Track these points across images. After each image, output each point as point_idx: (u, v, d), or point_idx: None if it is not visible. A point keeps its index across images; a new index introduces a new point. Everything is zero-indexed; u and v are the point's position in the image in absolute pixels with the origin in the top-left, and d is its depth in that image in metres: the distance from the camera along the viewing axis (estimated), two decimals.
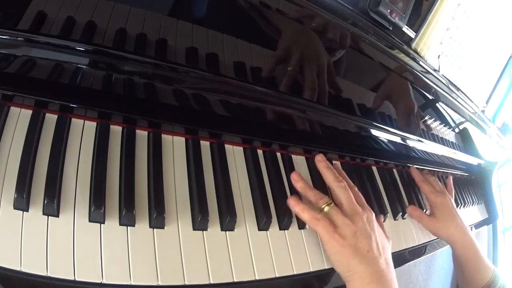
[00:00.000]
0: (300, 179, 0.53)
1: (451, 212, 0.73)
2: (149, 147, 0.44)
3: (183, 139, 0.48)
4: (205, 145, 0.49)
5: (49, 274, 0.32)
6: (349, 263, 0.48)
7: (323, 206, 0.51)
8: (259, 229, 0.47)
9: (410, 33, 0.57)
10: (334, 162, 0.64)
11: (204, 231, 0.42)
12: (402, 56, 0.57)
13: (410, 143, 0.75)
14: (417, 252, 0.71)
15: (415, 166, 0.85)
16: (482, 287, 0.70)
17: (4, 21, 0.34)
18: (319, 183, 0.58)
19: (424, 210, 0.76)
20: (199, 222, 0.41)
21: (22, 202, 0.33)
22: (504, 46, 0.85)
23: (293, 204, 0.50)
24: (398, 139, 0.72)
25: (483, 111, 0.88)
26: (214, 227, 0.44)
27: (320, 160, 0.57)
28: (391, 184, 0.73)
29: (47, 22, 0.35)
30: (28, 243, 0.32)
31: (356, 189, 0.57)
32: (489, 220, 1.22)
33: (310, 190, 0.53)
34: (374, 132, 0.66)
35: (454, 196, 0.84)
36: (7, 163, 0.35)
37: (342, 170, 0.61)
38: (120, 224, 0.38)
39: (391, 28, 0.52)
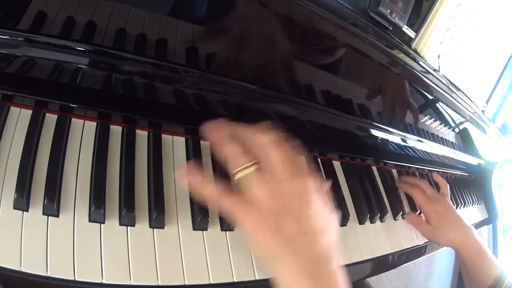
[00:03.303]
0: (223, 127, 0.38)
1: (448, 217, 0.69)
2: (149, 147, 0.44)
3: (183, 139, 0.48)
4: (205, 145, 0.49)
5: (49, 274, 0.32)
6: (271, 250, 0.35)
7: (239, 169, 0.35)
8: None
9: (410, 33, 0.57)
10: (334, 162, 0.64)
11: (204, 231, 0.42)
12: (402, 56, 0.57)
13: (410, 143, 0.75)
14: (417, 252, 0.71)
15: (414, 166, 0.85)
16: (488, 286, 0.68)
17: (4, 21, 0.34)
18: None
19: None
20: (199, 222, 0.41)
21: (22, 202, 0.33)
22: (504, 46, 0.85)
23: (182, 176, 0.36)
24: (398, 139, 0.72)
25: (483, 111, 0.88)
26: (214, 227, 0.43)
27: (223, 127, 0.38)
28: (391, 184, 0.74)
29: (47, 22, 0.35)
30: (28, 243, 0.32)
31: (291, 146, 0.38)
32: (489, 220, 1.22)
33: (228, 143, 0.36)
34: (374, 132, 0.66)
35: (451, 192, 0.80)
36: (7, 163, 0.35)
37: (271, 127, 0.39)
38: (120, 224, 0.38)
39: (391, 28, 0.52)
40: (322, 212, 0.38)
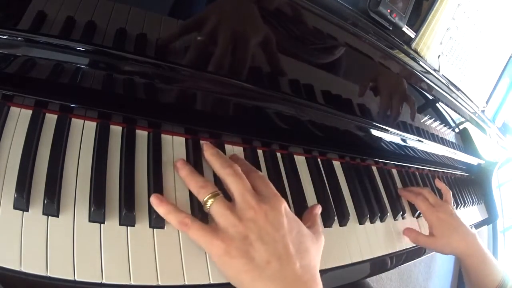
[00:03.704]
0: (184, 166, 0.41)
1: (450, 225, 0.67)
2: (149, 147, 0.44)
3: (183, 139, 0.48)
4: None
5: (49, 274, 0.32)
6: (242, 279, 0.36)
7: (205, 199, 0.38)
8: None
9: (410, 33, 0.57)
10: (334, 162, 0.64)
11: None
12: (402, 56, 0.57)
13: (410, 143, 0.75)
14: (417, 252, 0.71)
15: (414, 166, 0.85)
16: None
17: (4, 21, 0.34)
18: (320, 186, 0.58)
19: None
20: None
21: (22, 202, 0.33)
22: (504, 46, 0.85)
23: (156, 204, 0.37)
24: (398, 139, 0.72)
25: (483, 111, 0.88)
26: None
27: (206, 149, 0.44)
28: (391, 184, 0.74)
29: (47, 22, 0.35)
30: (28, 243, 0.32)
31: (261, 174, 0.43)
32: (489, 220, 1.22)
33: (193, 177, 0.40)
34: (374, 132, 0.66)
35: (453, 196, 0.80)
36: (7, 163, 0.35)
37: (243, 158, 0.48)
38: (120, 224, 0.38)
39: (391, 28, 0.52)
40: (298, 234, 0.39)
